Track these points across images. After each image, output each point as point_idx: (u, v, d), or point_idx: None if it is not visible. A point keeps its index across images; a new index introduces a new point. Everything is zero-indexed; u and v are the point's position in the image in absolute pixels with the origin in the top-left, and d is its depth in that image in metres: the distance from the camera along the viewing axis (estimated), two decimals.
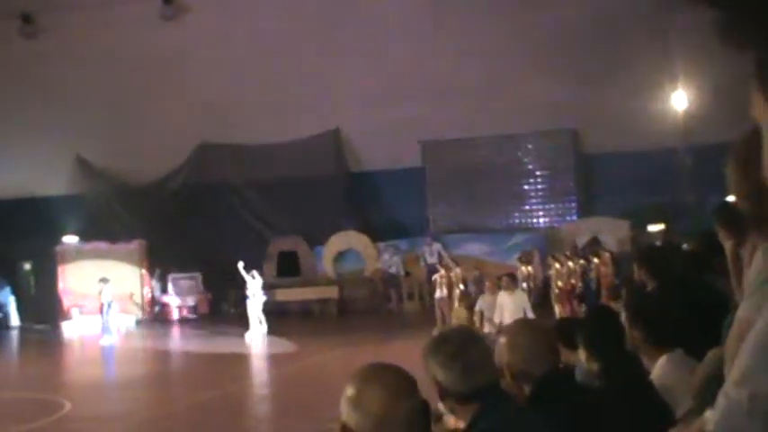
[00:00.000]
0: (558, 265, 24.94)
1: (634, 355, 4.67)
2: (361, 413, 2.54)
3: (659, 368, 4.64)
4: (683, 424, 3.69)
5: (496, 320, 15.27)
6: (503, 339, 3.75)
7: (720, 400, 2.53)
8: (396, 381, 2.61)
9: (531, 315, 14.62)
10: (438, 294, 25.45)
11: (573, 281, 24.67)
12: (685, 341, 4.55)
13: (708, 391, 3.31)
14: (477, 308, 16.34)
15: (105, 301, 27.39)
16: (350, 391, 2.59)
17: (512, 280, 16.17)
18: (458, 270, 26.01)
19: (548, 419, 3.24)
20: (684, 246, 7.64)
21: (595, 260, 24.95)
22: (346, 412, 2.58)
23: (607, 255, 24.88)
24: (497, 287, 16.23)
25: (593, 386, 4.15)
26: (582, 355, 4.55)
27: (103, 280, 27.94)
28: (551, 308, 23.43)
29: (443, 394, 3.17)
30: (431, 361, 3.18)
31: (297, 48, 32.98)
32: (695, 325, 4.81)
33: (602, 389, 4.10)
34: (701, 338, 4.50)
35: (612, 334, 4.57)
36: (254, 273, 26.67)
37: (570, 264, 25.02)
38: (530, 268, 27.26)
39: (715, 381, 3.25)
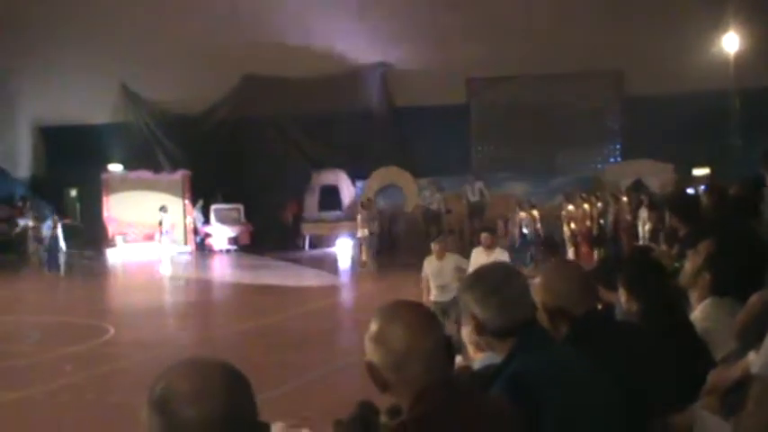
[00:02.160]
0: (570, 207, 24.72)
1: (674, 297, 4.66)
2: (384, 350, 2.56)
3: (702, 311, 4.64)
4: (724, 365, 3.69)
5: None
6: (537, 280, 3.75)
7: (767, 344, 2.51)
8: (417, 317, 2.62)
9: None
10: (359, 234, 26.89)
11: (588, 223, 24.50)
12: (737, 288, 4.55)
13: (752, 334, 3.30)
14: (423, 273, 13.17)
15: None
16: (372, 328, 2.61)
17: (491, 235, 13.38)
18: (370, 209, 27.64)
19: (586, 357, 3.25)
20: (730, 190, 7.55)
21: (614, 205, 24.67)
22: (370, 350, 2.60)
23: (625, 199, 24.55)
24: (445, 250, 13.22)
25: (631, 325, 4.15)
26: (622, 295, 4.55)
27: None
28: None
29: (480, 330, 3.19)
30: (468, 296, 3.19)
31: None
32: (745, 272, 4.80)
33: (641, 328, 4.10)
34: (744, 283, 4.49)
35: (653, 275, 4.55)
36: (166, 207, 27.58)
37: (586, 206, 24.77)
38: (534, 212, 27.16)
39: (759, 323, 3.24)
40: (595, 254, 23.74)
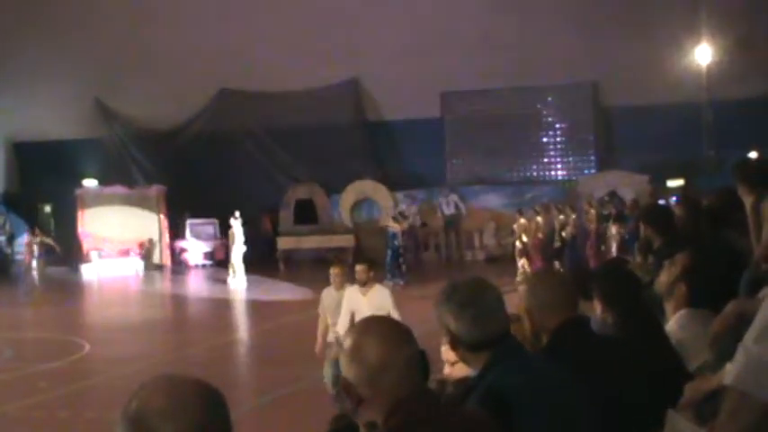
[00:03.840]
0: (522, 220, 24.92)
1: (649, 308, 4.69)
2: (358, 365, 2.56)
3: (676, 321, 4.66)
4: (700, 377, 3.71)
5: (340, 330, 9.95)
6: (523, 287, 3.80)
7: (740, 355, 2.53)
8: (391, 331, 2.63)
9: (396, 315, 9.57)
10: (234, 249, 27.20)
11: (540, 235, 24.83)
12: (711, 298, 4.59)
13: (726, 344, 3.32)
14: (320, 308, 10.81)
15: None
16: (347, 344, 2.62)
17: (368, 268, 10.32)
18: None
19: (561, 368, 3.26)
20: (704, 201, 7.62)
21: (573, 216, 24.95)
22: (345, 366, 2.61)
23: (593, 211, 24.79)
24: (345, 278, 10.72)
25: (607, 336, 4.17)
26: (597, 306, 4.57)
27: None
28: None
29: (455, 343, 3.19)
30: (443, 309, 3.20)
31: None
32: (717, 282, 4.85)
33: (616, 340, 4.12)
34: (720, 295, 4.52)
35: (628, 286, 4.58)
36: (37, 230, 27.23)
37: (539, 219, 25.10)
38: (404, 224, 27.33)
39: (733, 334, 3.27)
40: (556, 265, 23.96)
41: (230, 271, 27.23)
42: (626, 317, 4.35)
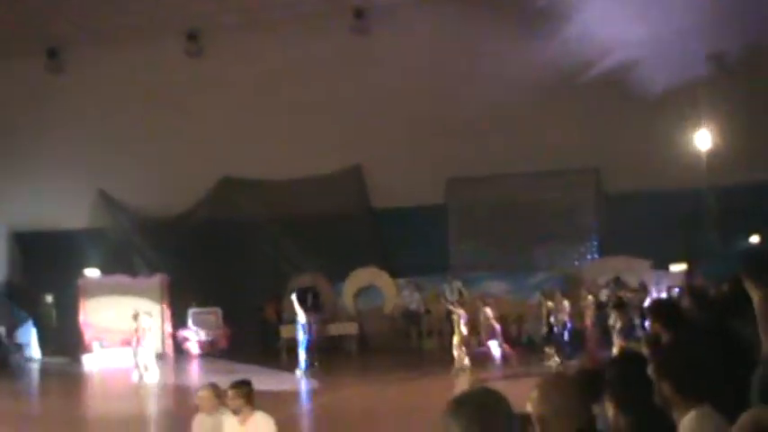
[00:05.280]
0: (461, 310, 24.87)
1: (662, 410, 4.53)
2: None
3: (686, 425, 4.51)
4: None
5: None
6: (534, 392, 3.69)
7: None
8: None
9: None
10: (145, 344, 26.94)
11: (495, 324, 25.10)
12: (713, 394, 4.42)
13: None
14: None
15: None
16: None
17: (242, 393, 8.65)
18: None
19: None
20: (722, 287, 7.54)
21: (565, 302, 24.81)
22: None
23: (590, 298, 24.69)
24: (218, 401, 9.07)
25: None
26: (608, 408, 4.38)
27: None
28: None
29: None
30: (452, 425, 3.09)
31: (320, 82, 33.08)
32: (721, 377, 4.68)
33: None
34: (727, 390, 4.38)
35: (644, 386, 4.33)
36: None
37: (487, 309, 25.38)
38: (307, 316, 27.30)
39: None
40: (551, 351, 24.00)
41: (141, 368, 26.49)
42: (642, 422, 4.17)
